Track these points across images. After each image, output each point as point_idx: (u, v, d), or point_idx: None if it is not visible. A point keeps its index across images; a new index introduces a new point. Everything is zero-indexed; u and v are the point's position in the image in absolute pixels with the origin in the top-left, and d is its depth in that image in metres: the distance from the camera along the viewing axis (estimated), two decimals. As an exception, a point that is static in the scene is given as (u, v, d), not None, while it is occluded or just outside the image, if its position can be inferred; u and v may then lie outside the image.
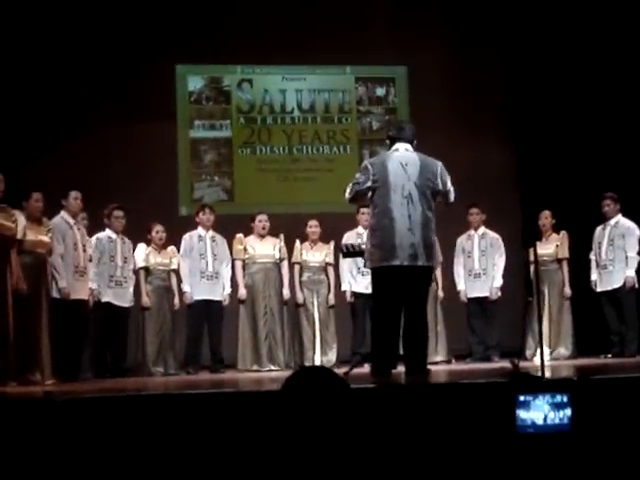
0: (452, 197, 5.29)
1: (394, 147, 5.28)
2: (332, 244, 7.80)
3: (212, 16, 9.30)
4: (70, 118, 8.87)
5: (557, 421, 2.95)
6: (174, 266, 7.59)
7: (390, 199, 5.09)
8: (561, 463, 3.04)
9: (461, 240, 8.02)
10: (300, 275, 7.82)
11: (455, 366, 7.42)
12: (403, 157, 5.18)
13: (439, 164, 5.23)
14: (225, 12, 9.34)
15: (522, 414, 2.96)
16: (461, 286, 7.93)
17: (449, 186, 5.23)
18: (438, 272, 7.88)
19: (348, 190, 5.31)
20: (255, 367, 7.43)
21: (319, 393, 2.32)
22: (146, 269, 7.50)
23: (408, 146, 5.26)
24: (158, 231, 7.56)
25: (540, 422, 2.96)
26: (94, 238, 7.21)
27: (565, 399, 2.97)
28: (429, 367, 5.31)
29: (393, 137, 5.34)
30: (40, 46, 8.83)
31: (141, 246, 7.52)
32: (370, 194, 5.24)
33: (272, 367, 7.43)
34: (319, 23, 9.43)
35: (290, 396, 2.33)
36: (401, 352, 5.22)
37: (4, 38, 8.62)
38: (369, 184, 5.18)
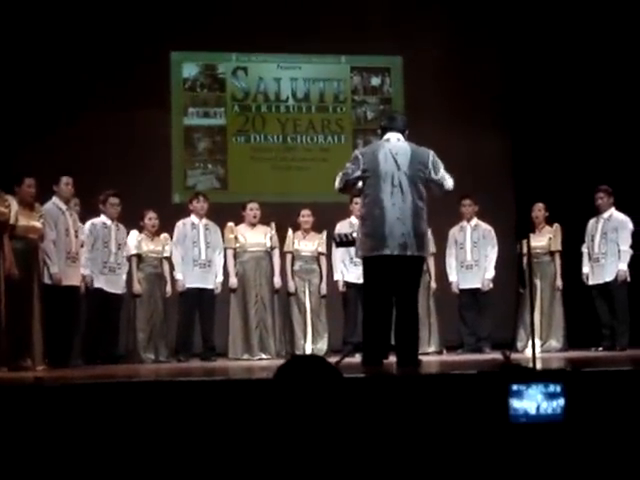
0: (449, 184, 5.24)
1: (385, 137, 5.28)
2: (324, 233, 7.80)
3: (208, 3, 9.27)
4: (64, 104, 8.83)
5: (550, 411, 2.96)
6: (166, 253, 7.57)
7: (380, 188, 5.09)
8: (554, 453, 3.04)
9: (453, 231, 8.02)
10: (292, 264, 7.82)
11: (446, 357, 7.44)
12: (394, 147, 5.18)
13: (430, 152, 5.22)
14: (221, -1, 9.33)
15: (515, 403, 2.97)
16: (452, 277, 7.94)
17: (441, 173, 5.20)
18: (431, 263, 7.90)
19: (338, 180, 5.30)
20: (246, 356, 7.43)
21: (312, 382, 2.31)
22: (138, 256, 7.48)
23: (400, 136, 5.26)
24: (151, 218, 7.54)
25: (533, 412, 2.96)
26: (88, 223, 7.19)
27: (558, 389, 2.98)
28: (421, 358, 5.31)
29: (385, 127, 5.34)
30: (36, 32, 8.79)
31: (133, 233, 7.50)
32: (360, 184, 5.24)
33: (263, 356, 7.43)
34: (315, 12, 9.40)
35: (283, 384, 2.32)
36: (392, 342, 5.22)
37: (2, 25, 8.57)
38: (358, 173, 5.18)
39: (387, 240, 5.04)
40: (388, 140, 5.24)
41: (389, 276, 5.08)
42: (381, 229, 5.06)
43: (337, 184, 5.31)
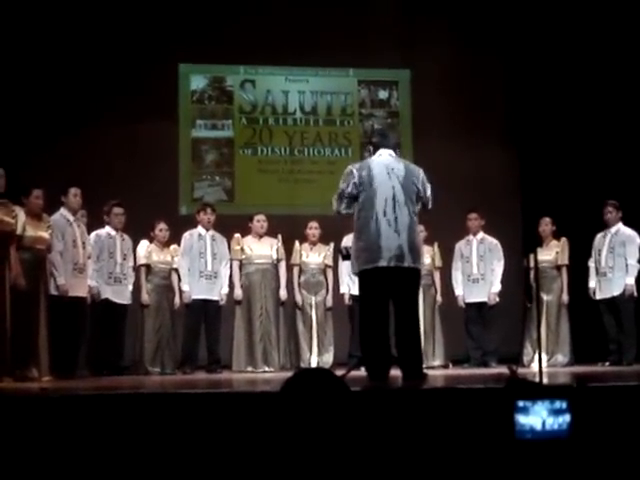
0: (430, 204, 5.31)
1: (378, 153, 5.30)
2: (331, 245, 7.79)
3: (216, 16, 9.31)
4: (72, 115, 8.89)
5: (556, 427, 2.95)
6: (176, 265, 7.57)
7: (375, 202, 5.10)
8: (559, 470, 3.03)
9: (460, 245, 8.02)
10: (299, 276, 7.81)
11: (452, 371, 7.41)
12: (388, 162, 5.21)
13: (421, 171, 5.28)
14: (229, 12, 9.36)
15: (521, 419, 2.96)
16: (459, 291, 7.93)
17: (429, 193, 5.26)
18: (437, 277, 7.91)
19: (334, 203, 5.28)
20: (249, 368, 7.42)
21: (319, 394, 2.31)
22: (147, 266, 7.49)
23: (392, 152, 5.31)
24: (162, 229, 7.55)
25: (539, 428, 2.95)
26: (93, 234, 7.19)
27: (564, 405, 2.97)
28: (426, 371, 5.30)
29: (377, 144, 5.36)
30: (43, 43, 8.86)
31: (143, 243, 7.51)
32: (355, 198, 5.21)
33: (266, 368, 7.42)
34: (323, 25, 9.44)
35: (291, 397, 2.32)
36: (395, 355, 5.20)
37: (8, 36, 8.63)
38: (353, 187, 5.16)
39: (382, 252, 5.05)
40: (381, 156, 5.26)
41: (385, 288, 5.08)
42: (376, 242, 5.06)
43: (335, 207, 5.28)
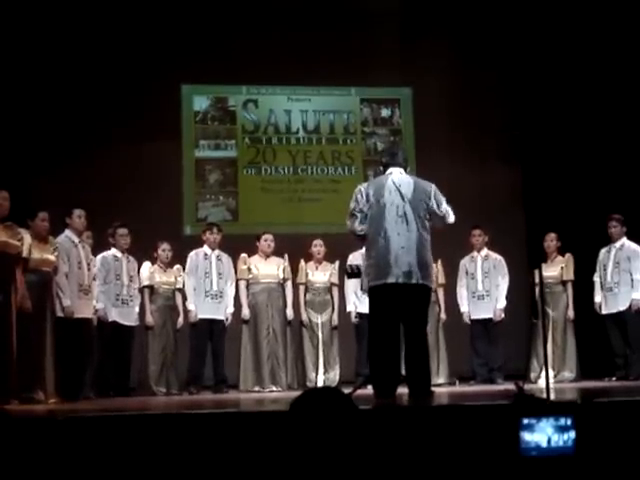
0: (451, 218, 5.28)
1: (388, 171, 5.35)
2: (337, 264, 7.80)
3: (218, 36, 9.37)
4: (76, 137, 8.93)
5: (561, 444, 2.94)
6: (179, 285, 7.59)
7: (385, 219, 5.13)
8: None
9: (464, 262, 8.02)
10: (304, 295, 7.82)
11: (459, 388, 7.39)
12: (397, 179, 5.25)
13: (432, 185, 5.28)
14: (231, 33, 9.42)
15: (526, 436, 2.95)
16: (464, 308, 7.92)
17: (444, 207, 5.25)
18: (441, 294, 7.90)
19: (348, 223, 5.31)
20: (257, 388, 7.42)
21: (328, 413, 2.31)
22: (150, 287, 7.50)
23: (402, 170, 5.33)
24: (165, 249, 7.57)
25: (544, 445, 2.94)
26: (99, 257, 7.20)
27: (569, 422, 2.96)
28: (433, 389, 5.29)
29: (387, 163, 5.42)
30: (46, 63, 8.93)
31: (146, 264, 7.53)
32: (366, 216, 5.24)
33: (274, 388, 7.42)
34: (324, 45, 9.50)
35: (299, 416, 2.32)
36: (403, 373, 5.20)
37: (12, 55, 8.69)
38: (362, 206, 5.20)
39: (392, 268, 5.05)
40: (391, 174, 5.30)
41: (395, 305, 5.08)
42: (386, 258, 5.07)
43: (348, 225, 5.31)
